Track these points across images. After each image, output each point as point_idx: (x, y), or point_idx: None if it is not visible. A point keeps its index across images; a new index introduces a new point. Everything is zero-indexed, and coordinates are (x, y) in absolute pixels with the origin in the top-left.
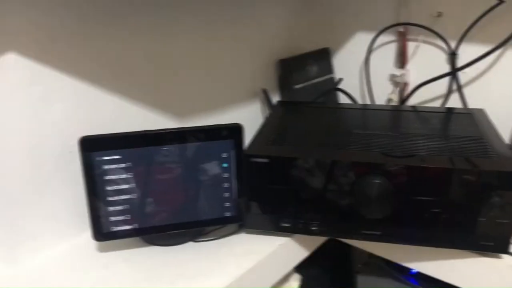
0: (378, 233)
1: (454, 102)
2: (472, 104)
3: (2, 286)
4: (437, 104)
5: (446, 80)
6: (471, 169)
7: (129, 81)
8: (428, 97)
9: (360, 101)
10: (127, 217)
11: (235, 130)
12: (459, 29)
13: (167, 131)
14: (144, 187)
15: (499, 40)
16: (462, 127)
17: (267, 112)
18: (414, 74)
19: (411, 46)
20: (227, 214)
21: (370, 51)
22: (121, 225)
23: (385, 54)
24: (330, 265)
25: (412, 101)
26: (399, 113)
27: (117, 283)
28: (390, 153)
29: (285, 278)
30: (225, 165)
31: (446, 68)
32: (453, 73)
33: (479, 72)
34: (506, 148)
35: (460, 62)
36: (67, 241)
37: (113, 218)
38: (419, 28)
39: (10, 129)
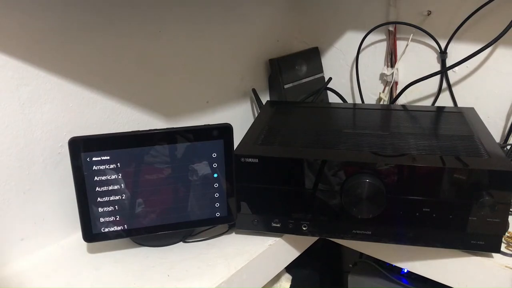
0: (369, 232)
1: (444, 101)
2: (462, 103)
3: None
4: (427, 103)
5: (436, 79)
6: (461, 168)
7: (118, 81)
8: (418, 96)
9: (350, 101)
10: (117, 218)
11: (225, 130)
12: (449, 28)
13: (156, 131)
14: (133, 188)
15: (488, 39)
16: (453, 126)
17: (257, 111)
18: (404, 73)
19: (400, 45)
20: (217, 214)
21: (359, 50)
22: (111, 226)
23: (375, 54)
24: (321, 265)
25: (402, 100)
26: (389, 112)
27: (108, 284)
28: (380, 152)
29: (276, 278)
30: (215, 165)
31: (436, 67)
32: (443, 71)
33: (469, 70)
34: (497, 147)
35: (450, 61)
36: (58, 243)
37: (103, 219)
38: (408, 27)
39: None
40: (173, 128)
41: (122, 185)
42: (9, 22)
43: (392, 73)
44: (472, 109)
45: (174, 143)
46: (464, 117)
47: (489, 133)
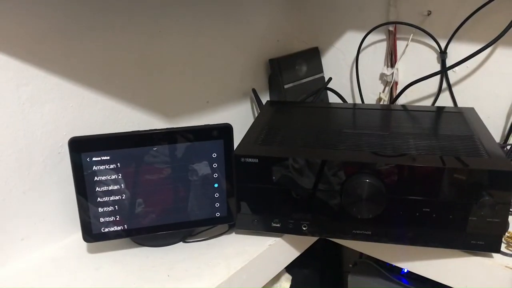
0: (369, 232)
1: (444, 101)
2: (462, 103)
3: None
4: (427, 103)
5: (436, 79)
6: (461, 168)
7: (118, 81)
8: (418, 96)
9: (350, 101)
10: (117, 218)
11: (225, 130)
12: (449, 28)
13: (156, 131)
14: (133, 188)
15: (488, 39)
16: (453, 126)
17: (257, 111)
18: (404, 73)
19: (400, 45)
20: (217, 214)
21: (359, 50)
22: (111, 226)
23: (375, 53)
24: (321, 265)
25: (402, 100)
26: (389, 112)
27: (108, 284)
28: (380, 152)
29: (276, 278)
30: (215, 165)
31: (436, 67)
32: (443, 72)
33: (469, 70)
34: (497, 147)
35: (450, 61)
36: (58, 243)
37: (102, 219)
38: (408, 27)
39: None
40: (173, 128)
41: (122, 185)
42: (8, 22)
43: (392, 73)
44: (472, 109)
45: (174, 143)
46: (464, 117)
47: (489, 133)
